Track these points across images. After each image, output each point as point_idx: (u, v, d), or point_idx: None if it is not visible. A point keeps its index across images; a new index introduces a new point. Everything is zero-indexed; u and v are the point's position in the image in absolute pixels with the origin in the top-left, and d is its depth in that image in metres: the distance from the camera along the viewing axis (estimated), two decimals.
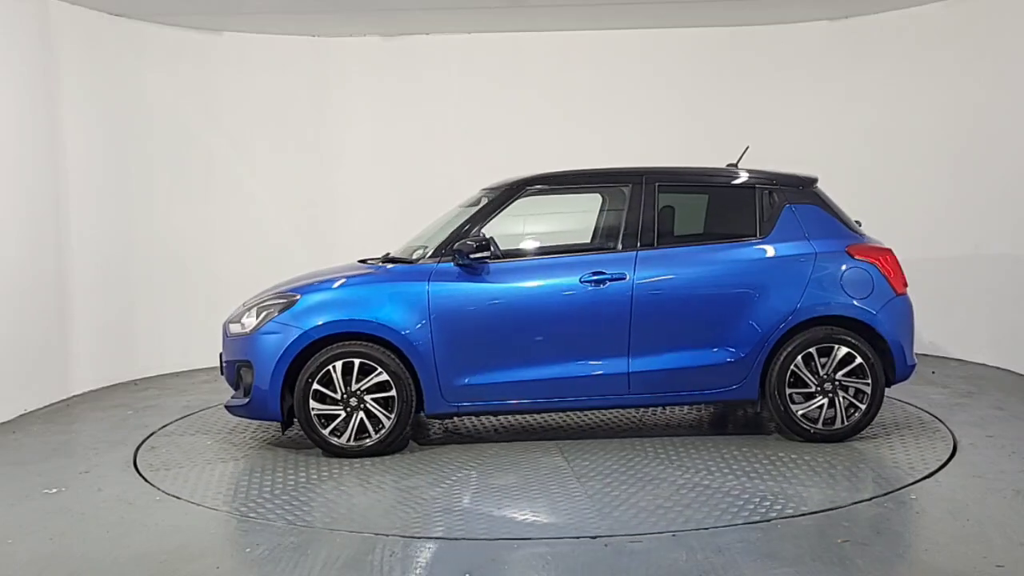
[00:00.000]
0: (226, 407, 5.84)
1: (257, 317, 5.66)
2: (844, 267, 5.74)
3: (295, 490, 4.99)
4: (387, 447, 5.56)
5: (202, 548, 4.25)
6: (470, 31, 9.20)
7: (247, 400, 5.62)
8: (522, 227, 6.53)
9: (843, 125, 9.02)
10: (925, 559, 3.89)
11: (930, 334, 8.55)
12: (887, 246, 6.01)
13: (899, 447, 5.58)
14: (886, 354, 5.74)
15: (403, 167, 9.35)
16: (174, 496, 4.96)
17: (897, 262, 5.88)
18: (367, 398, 5.52)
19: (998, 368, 7.92)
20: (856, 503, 4.58)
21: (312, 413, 5.49)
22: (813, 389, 5.68)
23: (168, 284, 8.69)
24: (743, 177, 6.06)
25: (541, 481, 5.08)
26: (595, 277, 5.65)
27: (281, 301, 5.65)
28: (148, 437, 6.27)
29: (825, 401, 5.68)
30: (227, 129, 8.96)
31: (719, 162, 6.66)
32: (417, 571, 3.89)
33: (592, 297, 5.63)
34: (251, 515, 4.62)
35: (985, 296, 8.11)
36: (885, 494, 4.71)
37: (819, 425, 5.68)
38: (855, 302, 5.69)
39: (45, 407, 7.30)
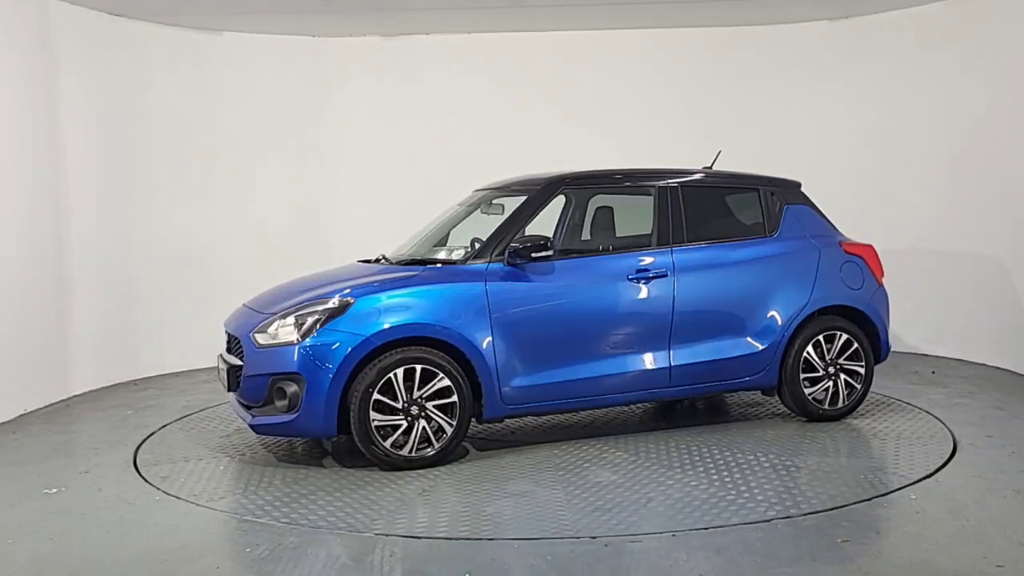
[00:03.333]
0: (255, 427, 5.32)
1: (298, 325, 5.19)
2: (842, 261, 6.26)
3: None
4: (447, 455, 5.35)
5: (202, 548, 4.25)
6: (470, 31, 9.19)
7: (295, 416, 5.13)
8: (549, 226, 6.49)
9: (843, 125, 9.02)
10: (925, 559, 3.89)
11: (930, 334, 8.55)
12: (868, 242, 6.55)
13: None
14: (874, 337, 6.30)
15: (403, 167, 9.34)
16: (174, 496, 4.95)
17: (878, 256, 6.43)
18: (428, 405, 5.23)
19: (998, 368, 7.92)
20: (856, 503, 4.58)
21: (373, 425, 5.15)
22: (821, 373, 6.10)
23: (168, 284, 8.68)
24: (747, 179, 6.35)
25: (646, 475, 5.09)
26: (641, 274, 5.75)
27: (330, 306, 5.23)
28: (148, 437, 6.26)
29: (830, 383, 6.13)
30: (227, 129, 8.95)
31: (718, 163, 6.69)
32: (417, 571, 3.89)
33: (640, 294, 5.76)
34: (251, 515, 4.62)
35: (985, 296, 8.10)
36: (885, 494, 4.71)
37: (825, 406, 6.14)
38: (852, 292, 6.21)
39: (45, 407, 7.29)
